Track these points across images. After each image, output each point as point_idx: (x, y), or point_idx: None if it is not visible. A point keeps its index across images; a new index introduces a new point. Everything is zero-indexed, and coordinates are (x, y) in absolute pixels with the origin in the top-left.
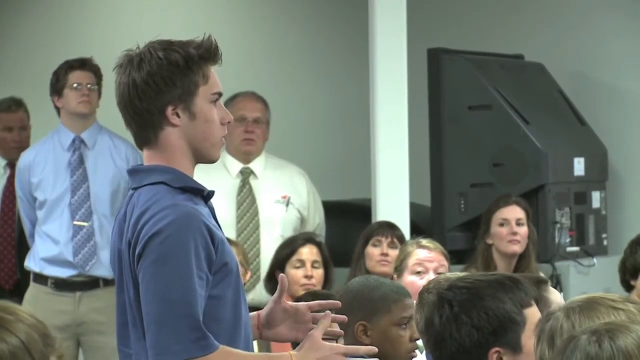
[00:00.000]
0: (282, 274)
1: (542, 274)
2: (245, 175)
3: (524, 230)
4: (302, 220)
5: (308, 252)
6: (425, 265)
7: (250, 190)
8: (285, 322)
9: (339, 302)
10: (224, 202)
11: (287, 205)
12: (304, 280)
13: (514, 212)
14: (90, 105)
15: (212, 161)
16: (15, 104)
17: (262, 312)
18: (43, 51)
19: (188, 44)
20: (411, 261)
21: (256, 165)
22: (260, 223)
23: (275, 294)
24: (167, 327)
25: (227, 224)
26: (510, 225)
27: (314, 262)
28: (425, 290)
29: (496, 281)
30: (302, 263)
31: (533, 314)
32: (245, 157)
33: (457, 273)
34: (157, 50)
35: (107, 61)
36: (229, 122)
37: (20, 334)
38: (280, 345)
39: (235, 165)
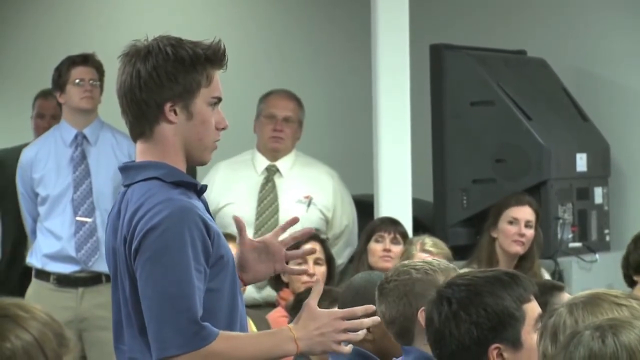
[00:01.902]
0: (235, 216)
1: (549, 278)
2: (271, 172)
3: (530, 233)
4: (327, 222)
5: (310, 249)
6: None
7: (273, 187)
8: (258, 260)
9: (297, 217)
10: (246, 199)
11: (309, 205)
12: (306, 278)
13: (525, 213)
14: (93, 100)
15: (202, 163)
16: (50, 92)
17: (235, 257)
18: (44, 48)
19: (197, 44)
20: None
21: (283, 163)
22: (279, 222)
23: (238, 237)
24: (167, 321)
25: (247, 220)
26: (519, 226)
27: (317, 259)
28: (386, 281)
29: (494, 277)
30: (305, 260)
31: (532, 309)
32: (273, 154)
33: (419, 261)
34: (165, 45)
35: (109, 58)
36: (223, 129)
37: (34, 332)
38: (278, 321)
39: (263, 163)
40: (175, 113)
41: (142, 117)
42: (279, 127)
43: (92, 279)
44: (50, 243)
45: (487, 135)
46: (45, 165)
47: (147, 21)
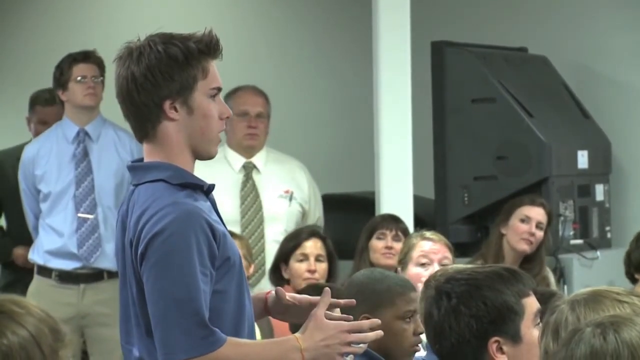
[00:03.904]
0: (278, 288)
1: (552, 276)
2: (248, 170)
3: (540, 234)
4: (304, 214)
5: (312, 246)
6: (430, 256)
7: (254, 185)
8: (290, 310)
9: (343, 301)
10: (227, 197)
11: (290, 200)
12: (307, 275)
13: (538, 214)
14: (96, 97)
15: (210, 157)
16: (53, 98)
17: (269, 299)
18: (44, 47)
19: (188, 38)
20: (415, 253)
21: (258, 159)
22: (264, 218)
23: (276, 295)
24: (174, 326)
25: (231, 219)
26: (530, 225)
27: (318, 256)
28: (433, 278)
29: (494, 272)
30: (306, 257)
31: (531, 304)
32: (248, 151)
33: (460, 265)
34: (156, 44)
35: (109, 55)
36: (227, 117)
37: (30, 327)
38: (281, 328)
39: (238, 160)
40: (176, 110)
41: (144, 119)
42: (254, 123)
43: (94, 276)
44: (52, 239)
45: (489, 133)
46: (47, 162)
47: (148, 18)
